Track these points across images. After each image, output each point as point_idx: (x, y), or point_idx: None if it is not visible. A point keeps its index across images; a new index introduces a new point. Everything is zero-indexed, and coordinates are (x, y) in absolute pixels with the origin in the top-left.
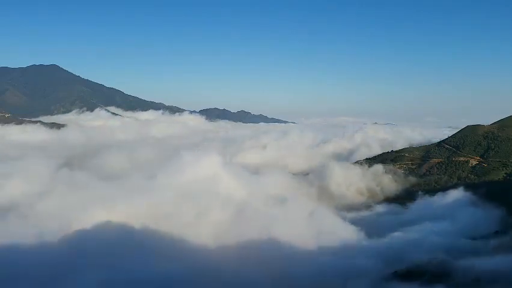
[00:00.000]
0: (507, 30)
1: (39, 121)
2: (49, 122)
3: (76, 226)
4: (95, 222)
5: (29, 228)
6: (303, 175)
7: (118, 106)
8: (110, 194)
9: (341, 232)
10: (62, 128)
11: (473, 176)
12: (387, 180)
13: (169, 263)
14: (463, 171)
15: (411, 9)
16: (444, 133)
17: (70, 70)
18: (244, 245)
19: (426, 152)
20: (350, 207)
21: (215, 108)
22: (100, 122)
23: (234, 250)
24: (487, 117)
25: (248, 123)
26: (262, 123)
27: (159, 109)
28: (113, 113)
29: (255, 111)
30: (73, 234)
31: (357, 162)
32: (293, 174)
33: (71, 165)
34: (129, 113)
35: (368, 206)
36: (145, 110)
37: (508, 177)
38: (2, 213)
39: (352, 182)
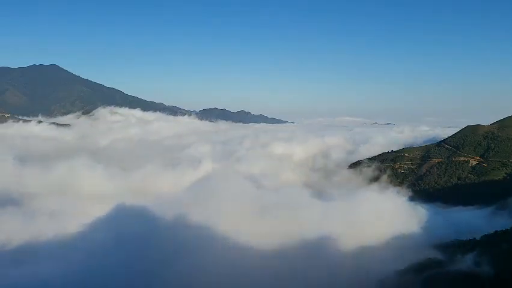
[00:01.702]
0: (507, 30)
1: (40, 121)
2: (49, 122)
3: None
4: None
5: None
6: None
7: (118, 106)
8: None
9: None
10: (63, 128)
11: (473, 176)
12: (387, 180)
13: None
14: (463, 171)
15: (412, 9)
16: (444, 133)
17: (70, 70)
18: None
19: (426, 152)
20: None
21: (215, 108)
22: (100, 122)
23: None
24: (487, 117)
25: (248, 123)
26: (262, 123)
27: (159, 109)
28: (114, 113)
29: (255, 111)
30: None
31: (357, 162)
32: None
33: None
34: (129, 113)
35: None
36: (145, 110)
37: (508, 177)
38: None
39: (351, 182)
